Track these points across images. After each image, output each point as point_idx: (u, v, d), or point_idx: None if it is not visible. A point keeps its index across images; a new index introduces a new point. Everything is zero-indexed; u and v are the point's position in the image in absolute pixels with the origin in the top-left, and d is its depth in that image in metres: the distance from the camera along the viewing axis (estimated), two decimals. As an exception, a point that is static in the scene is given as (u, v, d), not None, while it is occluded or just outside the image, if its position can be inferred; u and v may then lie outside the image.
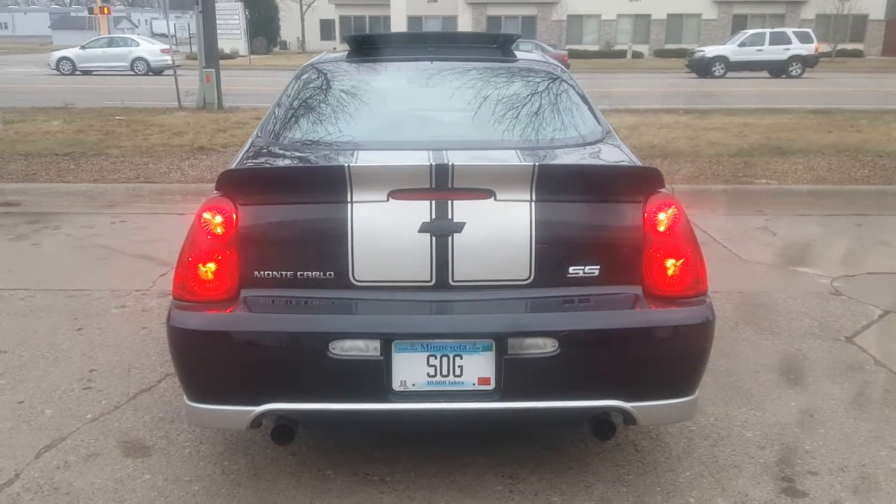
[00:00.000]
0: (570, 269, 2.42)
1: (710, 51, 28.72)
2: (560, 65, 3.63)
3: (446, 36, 3.75)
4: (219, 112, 13.62)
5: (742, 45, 28.23)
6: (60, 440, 3.04)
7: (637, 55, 41.56)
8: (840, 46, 39.10)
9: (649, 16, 45.45)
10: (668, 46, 44.00)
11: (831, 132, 10.72)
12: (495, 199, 2.38)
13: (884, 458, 2.92)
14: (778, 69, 27.46)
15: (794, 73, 27.27)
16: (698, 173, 8.04)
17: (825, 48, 39.17)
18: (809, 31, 29.21)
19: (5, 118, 11.58)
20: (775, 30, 29.25)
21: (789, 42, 27.63)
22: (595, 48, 43.60)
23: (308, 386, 2.39)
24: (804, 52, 27.59)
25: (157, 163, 8.68)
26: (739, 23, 44.77)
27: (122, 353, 3.88)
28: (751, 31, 29.59)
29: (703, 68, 27.58)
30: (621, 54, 41.17)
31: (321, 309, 2.40)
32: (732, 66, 27.42)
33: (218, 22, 15.66)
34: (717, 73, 27.30)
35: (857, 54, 40.90)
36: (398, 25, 46.72)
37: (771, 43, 27.73)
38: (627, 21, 45.77)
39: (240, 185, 2.48)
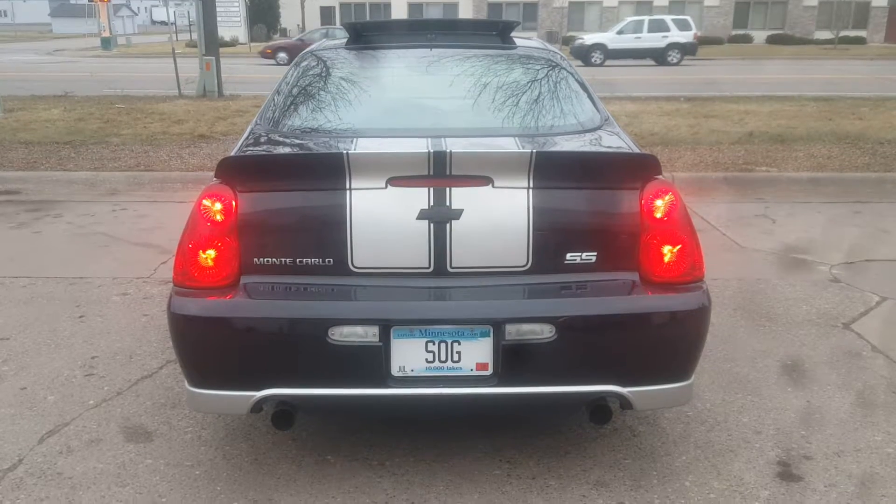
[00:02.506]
0: (568, 256, 2.44)
1: (590, 38, 28.51)
2: (559, 52, 3.63)
3: (446, 23, 3.75)
4: (219, 100, 13.61)
5: (621, 32, 28.10)
6: (63, 426, 3.07)
7: (639, 42, 41.33)
8: (843, 33, 38.89)
9: (651, 2, 45.20)
10: (669, 33, 43.78)
11: (832, 119, 10.70)
12: (493, 187, 2.40)
13: (879, 442, 2.95)
14: (657, 56, 27.40)
15: (672, 61, 27.18)
16: (698, 161, 8.03)
17: (828, 35, 39.04)
18: (688, 18, 29.16)
19: (6, 106, 11.57)
20: (654, 17, 29.12)
21: (668, 30, 27.58)
22: (596, 35, 43.40)
23: (308, 371, 2.42)
24: (682, 40, 27.57)
25: (157, 151, 8.69)
26: (742, 9, 44.58)
27: (124, 339, 3.91)
28: (630, 19, 29.35)
29: (583, 56, 27.28)
30: (623, 41, 40.97)
31: (320, 295, 2.42)
32: (611, 54, 27.18)
33: (217, 9, 15.62)
34: (595, 62, 27.01)
35: (859, 41, 40.70)
36: (399, 12, 46.51)
37: (650, 30, 27.61)
38: (629, 8, 45.48)
39: (239, 172, 2.49)
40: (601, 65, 26.75)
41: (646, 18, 28.74)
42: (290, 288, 2.44)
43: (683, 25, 27.98)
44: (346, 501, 2.59)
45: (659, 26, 27.81)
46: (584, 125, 2.96)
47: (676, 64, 26.99)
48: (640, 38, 27.49)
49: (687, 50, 27.64)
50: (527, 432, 2.99)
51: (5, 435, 3.01)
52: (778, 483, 2.70)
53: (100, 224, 6.20)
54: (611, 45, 27.45)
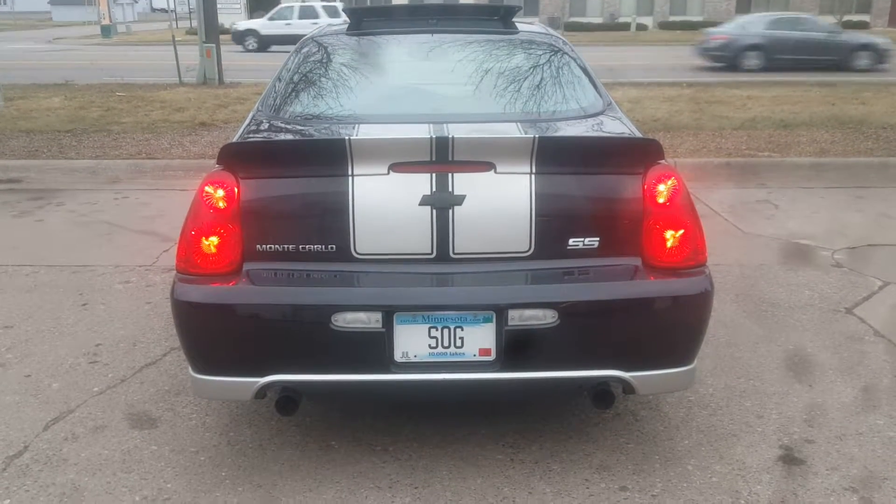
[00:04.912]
0: (570, 241, 2.44)
1: (243, 24, 28.21)
2: (561, 37, 3.61)
3: (447, 8, 3.71)
4: (220, 87, 13.56)
5: (272, 18, 27.72)
6: (68, 413, 3.09)
7: (641, 27, 41.14)
8: (846, 18, 38.61)
9: (650, -15, 44.84)
10: (672, 18, 43.50)
11: (835, 104, 10.65)
12: (495, 172, 2.40)
13: (881, 426, 2.96)
14: None
15: None
16: (701, 146, 8.01)
17: (831, 19, 38.76)
18: (336, 5, 28.49)
19: (6, 95, 11.54)
20: (305, 4, 28.55)
21: (317, 16, 27.06)
22: (599, 20, 43.14)
23: (311, 357, 2.43)
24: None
25: (158, 139, 8.68)
26: (745, -6, 44.22)
27: (127, 327, 3.92)
28: (282, 5, 28.77)
29: (239, 41, 26.95)
30: (625, 27, 40.76)
31: (323, 282, 2.42)
32: (265, 41, 26.65)
33: (218, -4, 15.53)
34: (250, 47, 26.71)
35: (862, 26, 40.39)
36: (399, -2, 46.20)
37: (300, 17, 27.11)
38: (629, -8, 45.16)
39: (241, 158, 2.49)
40: (257, 51, 26.35)
41: (296, 5, 28.16)
42: (292, 274, 2.44)
43: (333, 12, 27.46)
44: (350, 486, 2.61)
45: (308, 13, 27.37)
46: (586, 110, 2.96)
47: None
48: (290, 24, 26.80)
49: None
50: (529, 417, 3.00)
51: (11, 422, 3.02)
52: (780, 466, 2.71)
53: (102, 212, 6.20)
54: (263, 31, 27.05)
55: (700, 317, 2.52)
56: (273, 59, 16.47)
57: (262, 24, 27.50)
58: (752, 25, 18.51)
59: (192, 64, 14.78)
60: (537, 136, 2.45)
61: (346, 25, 3.59)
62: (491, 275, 2.44)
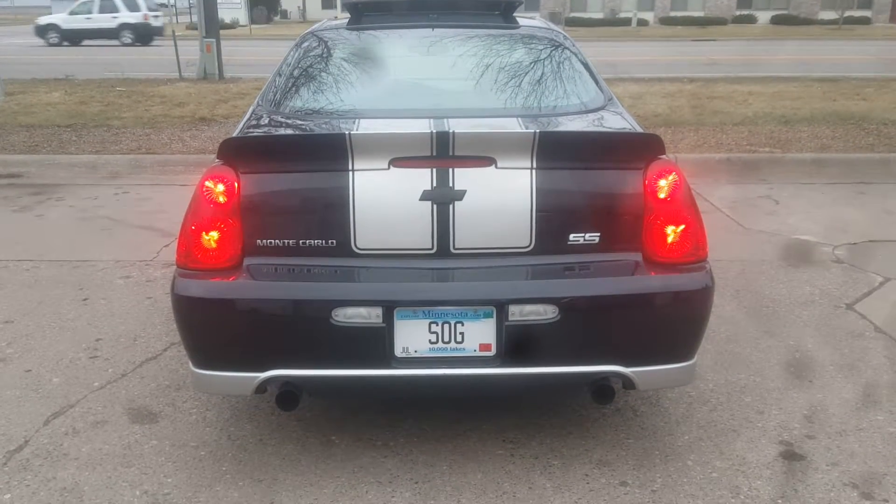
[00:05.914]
0: (571, 237, 2.44)
1: (44, 19, 28.12)
2: (562, 31, 3.60)
3: (448, 2, 3.70)
4: (220, 83, 13.54)
5: (73, 12, 27.53)
6: (68, 407, 3.09)
7: (642, 23, 41.06)
8: (847, 13, 38.55)
9: (649, -21, 44.73)
10: (673, 14, 43.42)
11: (836, 100, 10.63)
12: (496, 167, 2.39)
13: (882, 422, 2.96)
14: (111, 37, 26.85)
15: (126, 41, 26.64)
16: (702, 142, 8.00)
17: (833, 15, 38.66)
18: None
19: (7, 90, 11.53)
20: None
21: (117, 10, 27.04)
22: (599, 16, 43.06)
23: (311, 352, 2.42)
24: (133, 21, 27.13)
25: (158, 134, 8.67)
26: (746, -10, 44.12)
27: (128, 322, 3.92)
28: None
29: (42, 35, 26.94)
30: (626, 22, 40.70)
31: (323, 277, 2.42)
32: (68, 35, 26.67)
33: (218, -9, 15.48)
34: (53, 41, 26.66)
35: (864, 21, 40.37)
36: (400, -7, 45.97)
37: (100, 11, 27.08)
38: (632, -11, 45.06)
39: (241, 153, 2.49)
40: (59, 45, 26.31)
41: None
42: (293, 269, 2.44)
43: (132, 6, 27.45)
44: (350, 481, 2.61)
45: (108, 7, 27.31)
46: (587, 105, 2.95)
47: (131, 45, 26.41)
48: (91, 17, 26.90)
49: (138, 30, 27.14)
50: (529, 413, 3.00)
51: (11, 417, 3.02)
52: (780, 462, 2.71)
53: (102, 207, 6.20)
54: (64, 26, 27.01)
55: (701, 312, 2.52)
56: (273, 54, 16.44)
57: (64, 19, 27.59)
58: None
59: (192, 59, 14.76)
60: (538, 131, 2.44)
61: (347, 20, 3.58)
62: (491, 270, 2.43)
